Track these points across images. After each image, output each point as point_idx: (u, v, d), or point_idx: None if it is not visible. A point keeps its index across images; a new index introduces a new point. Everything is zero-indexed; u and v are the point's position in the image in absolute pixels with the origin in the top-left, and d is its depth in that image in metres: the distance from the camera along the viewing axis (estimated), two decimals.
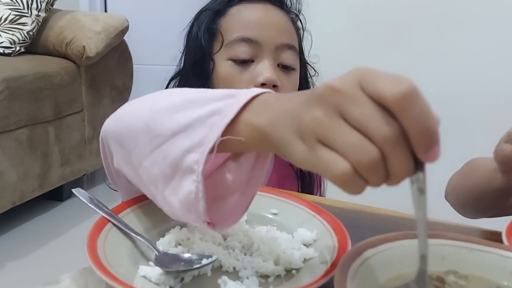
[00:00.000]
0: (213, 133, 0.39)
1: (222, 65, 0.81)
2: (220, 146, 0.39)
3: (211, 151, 0.39)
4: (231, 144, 0.39)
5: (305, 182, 0.88)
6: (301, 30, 0.91)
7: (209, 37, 0.83)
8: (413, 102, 0.30)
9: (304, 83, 0.90)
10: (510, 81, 1.53)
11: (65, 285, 0.43)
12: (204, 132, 0.40)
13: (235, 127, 0.39)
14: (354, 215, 0.68)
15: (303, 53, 0.91)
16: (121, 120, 0.50)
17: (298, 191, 0.87)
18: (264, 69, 0.78)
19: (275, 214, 0.57)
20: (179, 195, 0.42)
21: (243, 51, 0.79)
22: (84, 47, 1.96)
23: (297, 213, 0.56)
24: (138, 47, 2.31)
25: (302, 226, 0.53)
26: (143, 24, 2.50)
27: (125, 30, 2.14)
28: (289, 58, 0.81)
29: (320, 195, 0.93)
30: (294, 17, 0.89)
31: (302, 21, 0.91)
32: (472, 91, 1.58)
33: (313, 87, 0.93)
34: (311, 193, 0.90)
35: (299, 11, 0.91)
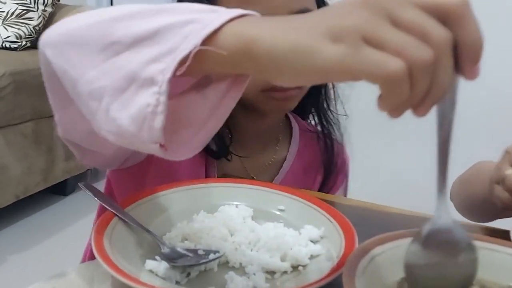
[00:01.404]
0: (189, 41, 0.34)
1: None
2: (193, 62, 0.34)
3: (183, 61, 0.34)
4: (207, 61, 0.35)
5: (330, 172, 0.81)
6: None
7: None
8: (471, 12, 0.29)
9: None
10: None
11: (71, 278, 0.43)
12: (176, 41, 0.35)
13: (217, 39, 0.34)
14: (361, 212, 0.68)
15: (324, 2, 0.78)
16: (67, 27, 0.43)
17: (322, 183, 0.82)
18: None
19: (282, 210, 0.57)
20: (131, 109, 0.36)
21: None
22: None
23: (304, 210, 0.56)
24: None
25: (309, 222, 0.53)
26: None
27: None
28: None
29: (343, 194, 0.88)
30: None
31: None
32: (477, 96, 1.57)
33: None
34: (334, 185, 0.84)
35: None
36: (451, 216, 0.36)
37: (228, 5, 0.69)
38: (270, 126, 0.78)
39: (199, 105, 0.39)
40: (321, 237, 0.51)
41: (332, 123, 0.82)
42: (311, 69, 0.31)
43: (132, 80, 0.36)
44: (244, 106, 0.71)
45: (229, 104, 0.40)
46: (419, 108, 0.31)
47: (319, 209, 0.55)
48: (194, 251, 0.46)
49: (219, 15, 0.35)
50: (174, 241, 0.48)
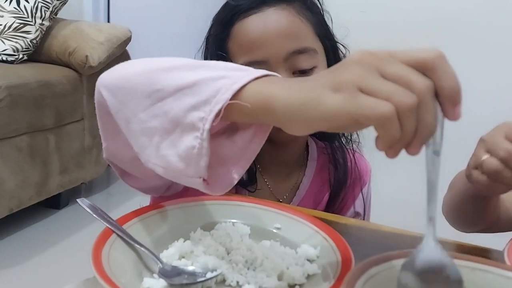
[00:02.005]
0: (222, 95, 0.41)
1: None
2: (224, 113, 0.41)
3: (218, 113, 0.41)
4: (235, 111, 0.42)
5: (335, 192, 0.85)
6: (321, 11, 0.83)
7: None
8: (446, 62, 0.35)
9: None
10: (495, 101, 1.54)
11: None
12: (211, 92, 0.42)
13: (242, 94, 0.42)
14: (355, 231, 0.68)
15: (328, 36, 0.83)
16: (120, 73, 0.51)
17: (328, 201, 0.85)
18: None
19: (278, 228, 0.57)
20: (179, 148, 0.44)
21: None
22: (86, 56, 1.97)
23: (301, 228, 0.56)
24: (141, 57, 2.33)
25: (306, 241, 0.53)
26: (146, 35, 2.51)
27: (127, 40, 2.16)
28: (304, 62, 0.76)
29: (358, 213, 0.90)
30: (305, 0, 0.81)
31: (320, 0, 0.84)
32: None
33: None
34: (342, 205, 0.87)
35: None
36: (438, 244, 0.39)
37: (235, 52, 0.77)
38: (293, 154, 0.84)
39: (229, 147, 0.46)
40: (318, 257, 0.51)
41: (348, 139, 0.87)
42: (318, 116, 0.37)
43: (177, 124, 0.44)
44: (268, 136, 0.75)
45: (255, 148, 0.47)
46: (411, 147, 0.35)
47: (315, 227, 0.56)
48: (192, 269, 0.46)
49: (246, 73, 0.43)
50: (171, 259, 0.48)
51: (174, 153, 0.44)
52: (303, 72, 0.75)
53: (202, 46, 0.84)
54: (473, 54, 1.58)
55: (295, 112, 0.38)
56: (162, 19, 2.59)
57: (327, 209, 0.85)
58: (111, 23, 2.58)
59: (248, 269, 0.49)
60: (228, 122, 0.46)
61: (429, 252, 0.39)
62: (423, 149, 0.37)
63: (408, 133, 0.34)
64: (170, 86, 0.45)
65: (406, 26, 1.63)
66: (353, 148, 0.87)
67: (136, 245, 0.48)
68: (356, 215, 0.89)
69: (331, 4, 0.86)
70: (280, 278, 0.47)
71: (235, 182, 0.47)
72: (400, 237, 0.65)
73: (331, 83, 0.37)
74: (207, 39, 0.83)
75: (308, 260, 0.51)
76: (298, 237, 0.55)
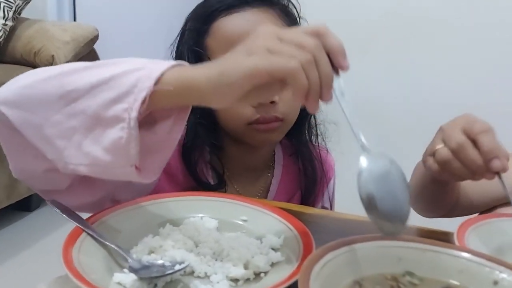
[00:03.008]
0: (143, 83, 0.45)
1: None
2: (148, 101, 0.45)
3: (144, 101, 0.44)
4: (158, 97, 0.45)
5: (308, 191, 0.86)
6: (298, 18, 0.85)
7: (197, 60, 0.78)
8: (329, 30, 0.46)
9: None
10: (468, 95, 1.60)
11: None
12: (131, 83, 0.45)
13: (162, 81, 0.45)
14: (319, 220, 0.71)
15: None
16: (19, 84, 0.51)
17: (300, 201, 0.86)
18: None
19: (245, 220, 0.60)
20: (103, 142, 0.46)
21: None
22: (53, 56, 1.95)
23: (266, 220, 0.59)
24: (109, 56, 2.30)
25: (270, 232, 0.56)
26: (115, 33, 2.49)
27: (94, 39, 2.13)
28: None
29: (325, 207, 0.93)
30: (285, 5, 0.82)
31: (296, 6, 0.84)
32: (430, 102, 1.64)
33: None
34: (314, 202, 0.89)
35: None
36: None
37: (215, 49, 0.77)
38: (261, 157, 0.84)
39: (151, 138, 0.49)
40: (281, 245, 0.54)
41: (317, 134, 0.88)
42: (239, 77, 0.43)
43: (98, 120, 0.45)
44: (236, 141, 0.76)
45: (176, 137, 0.51)
46: (323, 95, 0.44)
47: (279, 218, 0.58)
48: (160, 263, 0.48)
49: (161, 64, 0.46)
50: (140, 254, 0.50)
51: (99, 148, 0.46)
52: None
53: (176, 40, 0.83)
54: (441, 49, 1.63)
55: (216, 82, 0.44)
56: (130, 17, 2.56)
57: None
58: (77, 22, 2.54)
59: (216, 260, 0.51)
60: (147, 113, 0.48)
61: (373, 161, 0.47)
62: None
63: (315, 81, 0.43)
64: (82, 85, 0.47)
65: (378, 27, 1.67)
66: (318, 144, 0.88)
67: (106, 242, 0.49)
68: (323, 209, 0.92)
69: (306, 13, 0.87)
70: (246, 267, 0.50)
71: (161, 169, 0.51)
72: (362, 224, 0.68)
73: (244, 50, 0.44)
74: (183, 33, 0.82)
75: (273, 249, 0.53)
76: (264, 228, 0.57)
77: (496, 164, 0.58)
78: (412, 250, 0.47)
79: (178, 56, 0.82)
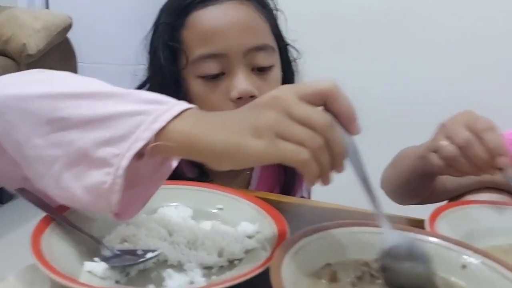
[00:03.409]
0: (142, 133, 0.41)
1: (192, 83, 0.75)
2: (148, 149, 0.41)
3: (139, 152, 0.41)
4: (156, 149, 0.41)
5: (287, 182, 0.86)
6: (275, 10, 0.83)
7: (172, 54, 0.77)
8: (339, 89, 0.42)
9: (287, 69, 0.84)
10: (442, 89, 1.63)
11: (10, 283, 0.43)
12: (128, 129, 0.41)
13: (164, 132, 0.41)
14: (296, 208, 0.72)
15: (281, 36, 0.83)
16: (10, 91, 0.47)
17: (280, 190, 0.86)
18: (237, 82, 0.72)
19: (220, 209, 0.60)
20: (85, 182, 0.42)
21: (210, 67, 0.73)
22: (24, 44, 1.89)
23: (241, 208, 0.59)
24: (84, 45, 2.25)
25: (245, 219, 0.56)
26: (89, 21, 2.43)
27: (67, 27, 2.09)
28: (263, 59, 0.75)
29: (303, 197, 0.92)
30: None
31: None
32: (407, 96, 1.67)
33: (297, 73, 0.87)
34: (293, 191, 0.88)
35: None
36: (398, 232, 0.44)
37: (191, 43, 0.75)
38: None
39: (139, 171, 0.44)
40: (257, 232, 0.54)
41: None
42: (244, 159, 0.41)
43: (84, 157, 0.42)
44: None
45: (167, 171, 0.47)
46: (336, 169, 0.42)
47: (255, 206, 0.58)
48: (133, 252, 0.47)
49: (165, 108, 0.42)
50: (113, 243, 0.49)
51: (80, 186, 0.43)
52: (262, 70, 0.75)
53: (150, 34, 0.81)
54: (422, 46, 1.65)
55: (220, 155, 0.41)
56: (104, 5, 2.51)
57: None
58: (49, 10, 2.48)
59: (190, 249, 0.51)
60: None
61: (396, 241, 0.43)
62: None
63: (326, 164, 0.41)
64: (76, 116, 0.43)
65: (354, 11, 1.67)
66: None
67: (77, 231, 0.49)
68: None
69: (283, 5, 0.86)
70: (220, 255, 0.50)
71: (145, 204, 0.48)
72: (338, 212, 0.69)
73: (250, 127, 0.40)
74: (156, 27, 0.80)
75: (248, 236, 0.53)
76: (239, 216, 0.57)
77: (503, 161, 0.59)
78: (383, 235, 0.48)
79: (153, 51, 0.80)
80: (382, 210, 0.44)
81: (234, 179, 0.84)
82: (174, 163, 0.46)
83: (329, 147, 0.40)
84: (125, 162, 0.41)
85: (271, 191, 0.85)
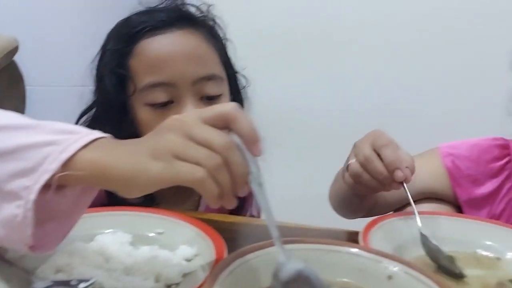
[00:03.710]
0: (50, 164, 0.40)
1: (140, 111, 0.76)
2: (55, 180, 0.40)
3: (47, 183, 0.40)
4: (66, 179, 0.41)
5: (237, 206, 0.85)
6: (224, 40, 0.85)
7: (119, 81, 0.77)
8: (240, 111, 0.43)
9: (236, 97, 0.85)
10: (391, 103, 1.68)
11: None
12: (37, 160, 0.41)
13: (73, 162, 0.41)
14: (240, 228, 0.73)
15: (230, 65, 0.85)
16: None
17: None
18: (186, 111, 0.72)
19: (160, 233, 0.60)
20: None
21: (158, 95, 0.74)
22: None
23: (181, 231, 0.59)
24: (32, 67, 2.20)
25: (184, 242, 0.56)
26: (36, 43, 2.38)
27: (14, 50, 2.04)
28: (211, 88, 0.76)
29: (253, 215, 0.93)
30: (211, 27, 0.83)
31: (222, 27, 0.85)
32: (357, 107, 1.71)
33: (246, 100, 0.89)
34: (243, 210, 0.89)
35: (214, 20, 0.85)
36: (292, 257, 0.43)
37: (139, 71, 0.75)
38: None
39: (59, 202, 0.43)
40: (195, 255, 0.54)
41: None
42: (146, 182, 0.40)
43: None
44: None
45: (87, 201, 0.46)
46: (238, 192, 0.42)
47: (195, 228, 0.59)
48: (67, 282, 0.47)
49: (75, 138, 0.42)
50: (47, 274, 0.49)
51: None
52: (210, 99, 0.76)
53: (96, 60, 0.81)
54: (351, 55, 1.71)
55: (127, 181, 0.41)
56: (52, 28, 2.46)
57: None
58: None
59: (127, 275, 0.50)
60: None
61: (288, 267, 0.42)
62: None
63: (225, 185, 0.40)
64: None
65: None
66: None
67: (6, 263, 0.48)
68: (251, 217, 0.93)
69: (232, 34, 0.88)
70: (157, 280, 0.50)
71: (65, 236, 0.47)
72: (282, 230, 0.70)
73: (151, 150, 0.41)
74: (103, 52, 0.80)
75: (186, 259, 0.54)
76: (178, 239, 0.57)
77: (398, 174, 0.63)
78: (316, 251, 0.49)
79: (99, 77, 0.80)
80: (278, 236, 0.43)
81: (184, 203, 0.84)
82: (94, 193, 0.46)
83: (229, 168, 0.40)
84: (33, 195, 0.40)
85: (221, 212, 0.86)
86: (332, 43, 1.69)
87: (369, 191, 0.71)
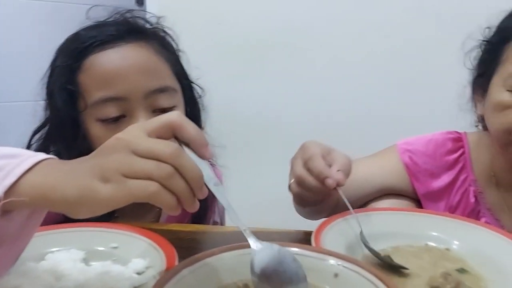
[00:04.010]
0: None
1: (92, 126, 0.75)
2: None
3: None
4: (11, 204, 0.40)
5: (199, 213, 0.82)
6: (177, 51, 0.85)
7: (70, 97, 0.76)
8: (184, 118, 0.43)
9: (193, 107, 0.86)
10: (357, 108, 1.71)
11: None
12: None
13: (17, 187, 0.40)
14: (200, 236, 0.73)
15: (184, 75, 0.85)
16: None
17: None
18: None
19: (114, 247, 0.60)
20: None
21: (110, 110, 0.73)
22: None
23: (135, 244, 0.59)
24: None
25: (138, 256, 0.56)
26: None
27: None
28: (164, 100, 0.76)
29: (216, 222, 0.93)
30: (162, 38, 0.83)
31: (174, 39, 0.85)
32: (319, 113, 1.73)
33: (203, 109, 0.89)
34: (205, 218, 0.88)
35: (164, 31, 0.84)
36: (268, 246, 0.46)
37: (89, 87, 0.74)
38: None
39: (6, 227, 0.43)
40: (147, 268, 0.54)
41: None
42: (97, 205, 0.40)
43: None
44: None
45: (35, 224, 0.45)
46: (197, 195, 0.41)
47: (149, 241, 0.59)
48: None
49: (17, 163, 0.41)
50: None
51: None
52: (163, 111, 0.74)
53: (46, 75, 0.79)
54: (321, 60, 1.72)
55: (73, 204, 0.40)
56: (2, 41, 2.41)
57: None
58: None
59: None
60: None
61: (264, 256, 0.45)
62: None
63: (181, 190, 0.40)
64: None
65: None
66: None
67: None
68: (214, 224, 0.93)
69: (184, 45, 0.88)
70: None
71: (15, 261, 0.46)
72: (241, 235, 0.71)
73: (98, 172, 0.40)
74: (53, 69, 0.79)
75: (138, 272, 0.54)
76: (132, 253, 0.57)
77: (328, 182, 0.64)
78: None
79: (49, 94, 0.79)
80: (247, 230, 0.46)
81: (144, 215, 0.84)
82: (43, 214, 0.45)
83: (182, 174, 0.40)
84: None
85: (182, 220, 0.86)
86: (290, 49, 1.71)
87: (320, 198, 0.72)
